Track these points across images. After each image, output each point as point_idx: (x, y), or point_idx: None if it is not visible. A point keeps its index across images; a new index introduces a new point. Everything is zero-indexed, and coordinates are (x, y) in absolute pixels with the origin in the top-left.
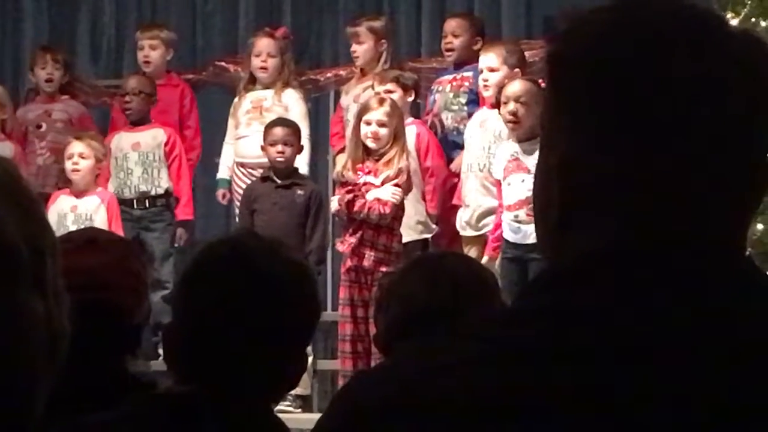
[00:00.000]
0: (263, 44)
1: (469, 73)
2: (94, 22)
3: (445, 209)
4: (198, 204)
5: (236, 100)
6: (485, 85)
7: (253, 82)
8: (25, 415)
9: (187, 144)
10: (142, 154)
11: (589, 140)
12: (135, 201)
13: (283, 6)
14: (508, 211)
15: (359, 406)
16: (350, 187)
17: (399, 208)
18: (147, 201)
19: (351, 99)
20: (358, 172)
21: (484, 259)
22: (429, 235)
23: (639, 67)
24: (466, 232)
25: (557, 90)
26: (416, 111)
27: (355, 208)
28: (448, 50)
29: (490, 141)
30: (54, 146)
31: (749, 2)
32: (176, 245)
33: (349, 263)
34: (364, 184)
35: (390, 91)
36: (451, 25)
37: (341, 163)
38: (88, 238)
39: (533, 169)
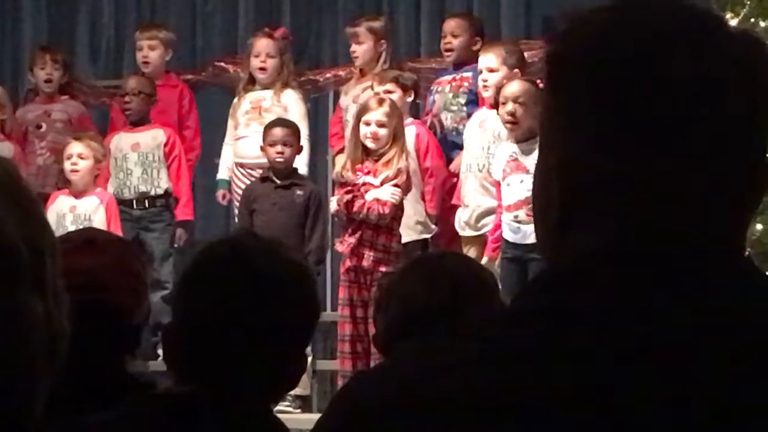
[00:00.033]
0: (262, 45)
1: (469, 74)
2: (93, 22)
3: (445, 209)
4: (197, 204)
5: (235, 100)
6: (484, 86)
7: (252, 82)
8: (24, 415)
9: (186, 144)
10: (141, 155)
11: (588, 140)
12: (134, 201)
13: (282, 6)
14: (507, 211)
15: (359, 406)
16: (349, 188)
17: (398, 209)
18: (146, 201)
19: (350, 99)
20: (358, 173)
21: (484, 260)
22: (428, 236)
23: (639, 67)
24: (466, 232)
25: (557, 90)
26: (415, 111)
27: (354, 209)
28: (447, 50)
29: (490, 141)
30: (54, 146)
31: (748, 2)
32: (176, 245)
33: (348, 263)
34: (363, 184)
35: (389, 92)
36: (451, 25)
37: (340, 163)
38: (86, 238)
39: (532, 170)
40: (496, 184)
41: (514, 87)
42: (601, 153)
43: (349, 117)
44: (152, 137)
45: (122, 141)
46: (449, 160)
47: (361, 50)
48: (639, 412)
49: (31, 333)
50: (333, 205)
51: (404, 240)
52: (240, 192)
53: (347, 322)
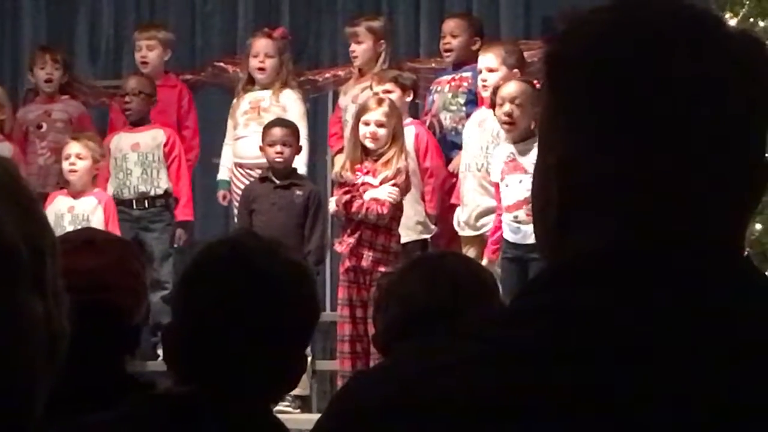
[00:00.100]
0: (261, 45)
1: (468, 74)
2: (92, 22)
3: (444, 209)
4: (197, 204)
5: (234, 100)
6: (484, 86)
7: (251, 82)
8: (24, 415)
9: (185, 144)
10: (141, 155)
11: (588, 140)
12: (134, 201)
13: (281, 6)
14: (507, 211)
15: (359, 406)
16: (347, 188)
17: (397, 209)
18: (146, 201)
19: (349, 99)
20: (357, 173)
21: (484, 262)
22: (428, 236)
23: (639, 67)
24: (465, 232)
25: (556, 90)
26: (415, 111)
27: (353, 209)
28: (446, 50)
29: (489, 141)
30: (55, 146)
31: (747, 2)
32: (175, 246)
33: (347, 263)
34: (362, 184)
35: (388, 91)
36: (450, 25)
37: (340, 163)
38: (85, 238)
39: (530, 169)
40: (495, 186)
41: (511, 88)
42: (600, 153)
43: (348, 117)
44: (152, 137)
45: (122, 141)
46: (448, 160)
47: (360, 50)
48: (639, 412)
49: (31, 333)
50: (332, 205)
51: (404, 240)
52: (239, 192)
53: (347, 323)
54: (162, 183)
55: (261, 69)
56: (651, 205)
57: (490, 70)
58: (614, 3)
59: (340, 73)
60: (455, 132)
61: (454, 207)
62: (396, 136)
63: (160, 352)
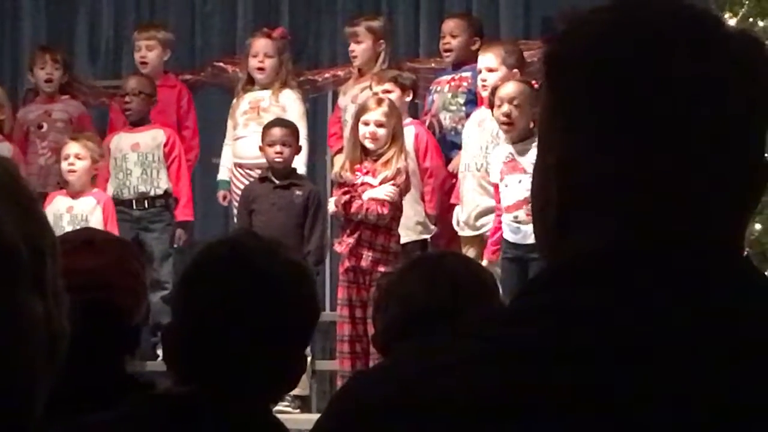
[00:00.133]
0: (260, 45)
1: (468, 74)
2: (92, 22)
3: (444, 210)
4: (197, 204)
5: (234, 101)
6: (483, 86)
7: (251, 82)
8: (24, 415)
9: (185, 145)
10: (141, 155)
11: (588, 140)
12: (134, 201)
13: (281, 6)
14: (507, 212)
15: (359, 405)
16: (346, 188)
17: (397, 209)
18: (146, 201)
19: (349, 99)
20: (357, 173)
21: (484, 263)
22: (428, 236)
23: (639, 67)
24: (464, 231)
25: (555, 90)
26: (414, 111)
27: (353, 209)
28: (446, 50)
29: (488, 141)
30: (55, 146)
31: (747, 2)
32: (175, 246)
33: (347, 264)
34: (362, 184)
35: (388, 91)
36: (450, 25)
37: (339, 163)
38: (85, 238)
39: (529, 169)
40: (494, 187)
41: (509, 88)
42: (600, 153)
43: (348, 117)
44: (152, 137)
45: (122, 141)
46: (448, 160)
47: (359, 50)
48: (639, 412)
49: (31, 333)
50: (331, 206)
51: (403, 240)
52: (239, 192)
53: (346, 323)
54: (162, 183)
55: (260, 69)
56: (651, 205)
57: (490, 70)
58: (614, 3)
59: (340, 73)
60: (455, 132)
61: (453, 207)
62: (396, 136)
63: (160, 352)
